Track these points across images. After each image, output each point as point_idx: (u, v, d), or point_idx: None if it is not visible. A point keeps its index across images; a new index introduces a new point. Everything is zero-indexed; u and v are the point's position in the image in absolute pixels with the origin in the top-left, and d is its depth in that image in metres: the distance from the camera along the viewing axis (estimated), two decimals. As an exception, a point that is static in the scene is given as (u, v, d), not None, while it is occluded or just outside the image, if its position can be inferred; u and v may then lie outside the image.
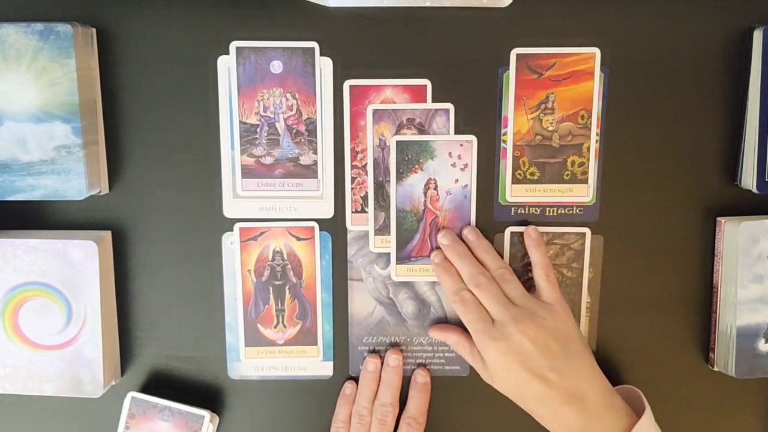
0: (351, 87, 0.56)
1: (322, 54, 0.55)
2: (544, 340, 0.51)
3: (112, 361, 0.58)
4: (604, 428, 0.50)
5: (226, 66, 0.55)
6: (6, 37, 0.51)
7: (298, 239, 0.58)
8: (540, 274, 0.55)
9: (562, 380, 0.50)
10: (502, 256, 0.57)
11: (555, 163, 0.57)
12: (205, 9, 0.55)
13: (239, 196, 0.57)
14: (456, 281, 0.55)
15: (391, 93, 0.56)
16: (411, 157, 0.56)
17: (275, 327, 0.59)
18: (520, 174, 0.57)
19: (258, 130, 0.56)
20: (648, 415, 0.51)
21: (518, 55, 0.55)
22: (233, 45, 0.55)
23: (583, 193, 0.57)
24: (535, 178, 0.57)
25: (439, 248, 0.57)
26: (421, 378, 0.59)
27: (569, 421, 0.50)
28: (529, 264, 0.56)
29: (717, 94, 0.56)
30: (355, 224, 0.58)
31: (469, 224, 0.57)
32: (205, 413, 0.57)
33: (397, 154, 0.56)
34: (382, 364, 0.59)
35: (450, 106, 0.56)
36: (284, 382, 0.60)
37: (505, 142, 0.57)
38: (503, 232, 0.58)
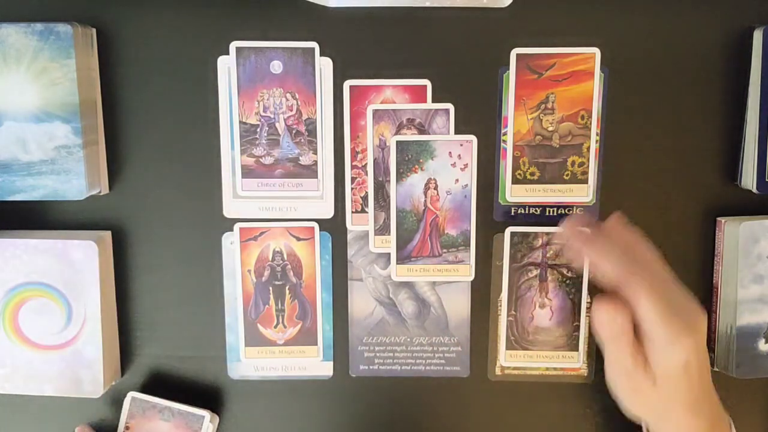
0: (351, 87, 0.56)
1: (322, 54, 0.55)
2: None
3: (112, 361, 0.58)
4: None
5: (226, 66, 0.55)
6: (6, 37, 0.51)
7: (298, 239, 0.58)
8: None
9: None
10: (501, 257, 0.57)
11: (555, 163, 0.57)
12: (205, 9, 0.55)
13: (239, 196, 0.57)
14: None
15: (391, 93, 0.56)
16: (411, 157, 0.56)
17: (275, 327, 0.59)
18: (520, 174, 0.57)
19: (258, 130, 0.56)
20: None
21: (518, 55, 0.55)
22: (233, 45, 0.55)
23: (583, 193, 0.57)
24: (535, 178, 0.57)
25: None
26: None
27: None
28: (530, 265, 0.56)
29: (717, 94, 0.56)
30: (355, 224, 0.58)
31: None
32: (205, 413, 0.57)
33: (397, 154, 0.56)
34: None
35: (450, 106, 0.56)
36: (284, 382, 0.60)
37: (505, 142, 0.57)
38: (503, 232, 0.58)
